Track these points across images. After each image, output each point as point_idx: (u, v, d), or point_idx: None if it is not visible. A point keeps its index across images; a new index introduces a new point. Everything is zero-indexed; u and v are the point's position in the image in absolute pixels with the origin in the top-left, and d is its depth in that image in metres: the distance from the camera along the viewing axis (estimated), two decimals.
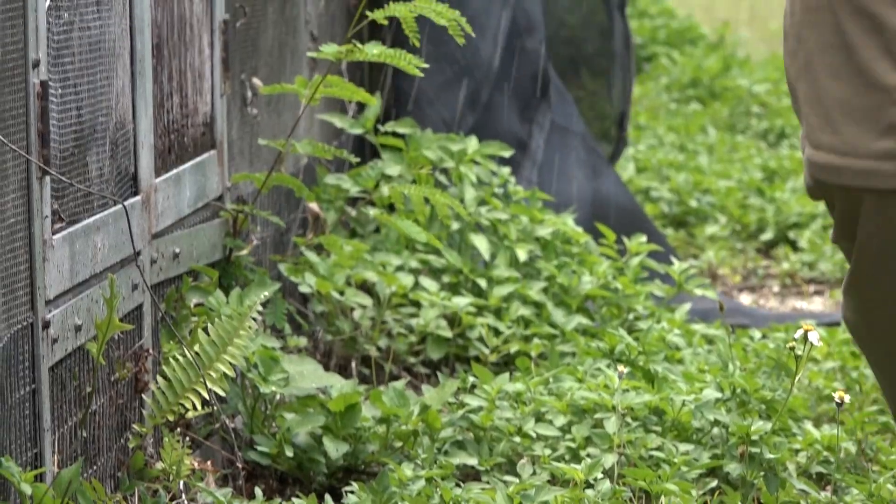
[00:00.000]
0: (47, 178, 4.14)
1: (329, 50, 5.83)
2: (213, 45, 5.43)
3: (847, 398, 5.53)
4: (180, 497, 4.68)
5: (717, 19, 13.64)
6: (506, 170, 6.68)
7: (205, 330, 4.89)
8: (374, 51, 5.78)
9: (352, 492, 4.90)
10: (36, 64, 4.06)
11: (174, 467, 4.68)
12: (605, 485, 4.92)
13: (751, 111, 10.85)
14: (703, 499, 4.93)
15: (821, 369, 6.00)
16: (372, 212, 6.25)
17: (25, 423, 4.07)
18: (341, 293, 5.83)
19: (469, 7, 6.97)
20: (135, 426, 4.66)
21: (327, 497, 4.94)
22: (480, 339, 6.04)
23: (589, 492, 4.82)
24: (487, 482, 4.97)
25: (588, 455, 5.14)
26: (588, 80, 8.30)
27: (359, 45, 5.76)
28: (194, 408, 4.75)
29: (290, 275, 5.76)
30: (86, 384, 4.41)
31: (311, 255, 5.85)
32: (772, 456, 5.14)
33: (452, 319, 6.05)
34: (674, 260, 7.20)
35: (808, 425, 5.36)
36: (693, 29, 12.44)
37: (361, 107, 6.31)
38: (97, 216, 4.50)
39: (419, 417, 5.21)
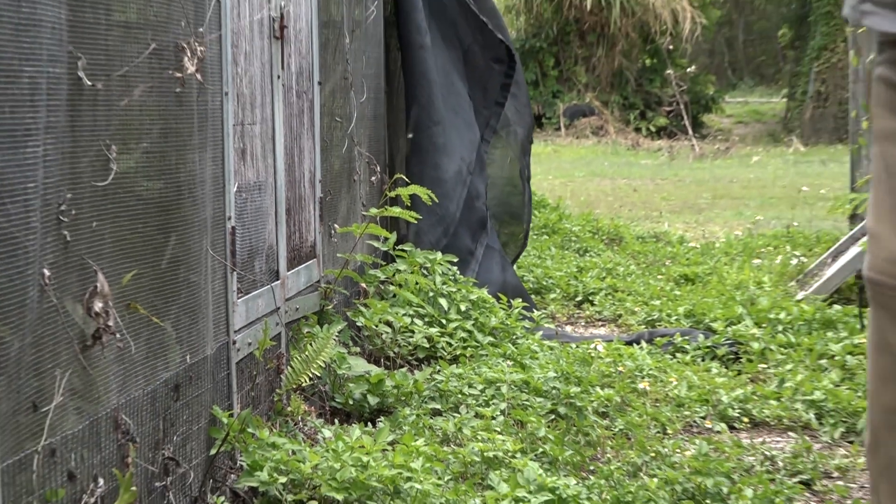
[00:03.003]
0: (234, 273, 4.11)
1: (374, 210, 5.88)
2: (315, 209, 5.40)
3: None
4: (299, 424, 4.64)
5: (556, 196, 13.59)
6: (455, 268, 6.68)
7: (310, 344, 4.86)
8: (396, 210, 5.81)
9: (381, 421, 4.87)
10: (229, 218, 4.04)
11: (296, 409, 4.65)
12: (501, 418, 4.87)
13: (571, 240, 10.76)
14: (547, 423, 4.87)
15: (603, 361, 5.95)
16: (392, 287, 6.23)
17: (224, 389, 4.04)
18: (376, 326, 5.80)
19: (443, 188, 6.97)
20: (277, 391, 4.62)
21: (369, 424, 4.91)
22: (443, 348, 6.01)
23: (493, 421, 4.78)
24: (445, 417, 4.93)
25: (493, 403, 5.11)
26: (509, 220, 8.31)
27: (388, 207, 5.80)
28: (307, 381, 4.72)
29: (353, 317, 5.73)
30: (253, 370, 4.38)
31: (362, 308, 5.82)
32: (580, 403, 5.09)
33: (430, 338, 6.01)
34: (535, 311, 7.18)
35: (598, 389, 5.31)
36: (545, 201, 12.36)
37: (387, 237, 6.31)
38: (258, 290, 4.48)
39: (413, 385, 5.17)
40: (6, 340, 2.54)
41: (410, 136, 7.19)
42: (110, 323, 3.01)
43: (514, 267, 8.19)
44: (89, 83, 2.95)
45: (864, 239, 8.14)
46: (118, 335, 3.08)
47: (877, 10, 1.56)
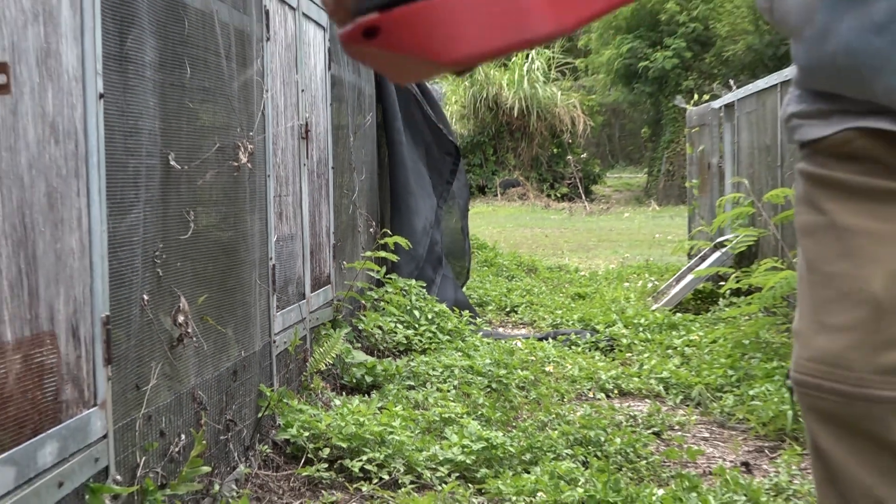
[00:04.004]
0: (275, 295, 4.10)
1: (369, 253, 5.84)
2: (330, 251, 5.39)
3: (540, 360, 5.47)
4: (319, 396, 4.62)
5: (493, 240, 13.50)
6: (424, 290, 6.64)
7: (327, 342, 4.84)
8: (381, 253, 5.78)
9: (373, 393, 4.85)
10: (271, 259, 4.03)
11: (317, 386, 4.63)
12: (453, 391, 4.84)
13: (503, 270, 10.70)
14: (484, 395, 4.86)
15: (522, 352, 5.94)
16: (382, 303, 6.22)
17: (268, 374, 4.02)
18: (371, 329, 5.79)
19: (414, 237, 6.95)
20: (304, 373, 4.60)
21: (366, 395, 4.89)
22: (416, 344, 5.99)
23: (448, 393, 4.76)
24: (417, 390, 4.91)
25: (448, 381, 5.09)
26: (457, 259, 8.28)
27: (379, 252, 5.77)
28: (324, 367, 4.70)
29: (355, 323, 5.71)
30: (287, 360, 4.37)
31: (362, 317, 5.81)
32: (506, 381, 5.08)
33: (407, 337, 5.99)
34: (478, 318, 7.17)
35: (519, 371, 5.31)
36: (485, 244, 12.24)
37: (378, 270, 6.30)
38: (291, 306, 4.46)
39: (395, 369, 5.14)
40: (119, 342, 2.54)
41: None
42: (189, 330, 3.00)
43: (464, 289, 8.18)
44: (179, 167, 2.96)
45: (699, 268, 8.19)
46: (195, 338, 3.08)
47: (803, 122, 1.21)
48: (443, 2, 0.72)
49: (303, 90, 4.73)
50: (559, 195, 26.63)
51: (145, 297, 2.72)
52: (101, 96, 2.44)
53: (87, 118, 2.39)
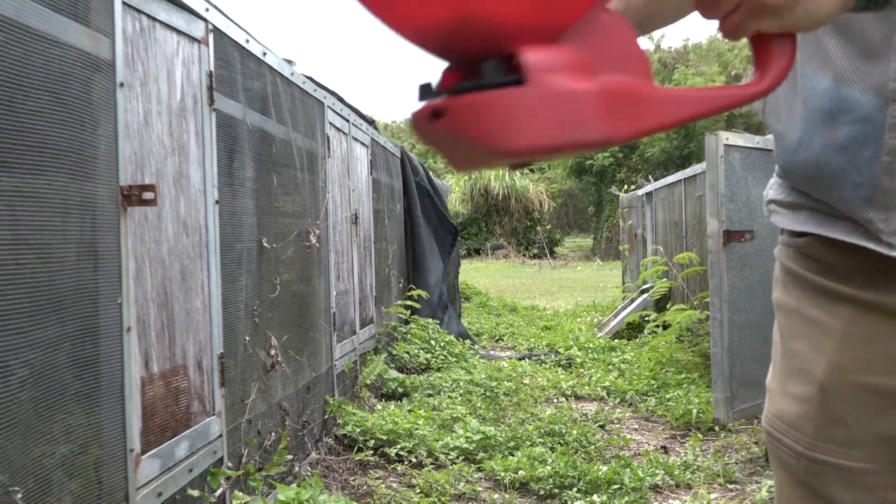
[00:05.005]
0: (335, 333, 4.12)
1: (400, 302, 5.81)
2: (372, 300, 5.38)
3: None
4: (366, 402, 4.61)
5: (485, 287, 13.39)
6: (438, 325, 6.62)
7: (371, 364, 4.83)
8: (408, 302, 5.76)
9: (404, 400, 4.83)
10: (332, 308, 4.05)
11: (365, 395, 4.61)
12: (459, 398, 4.82)
13: (492, 309, 10.60)
14: (481, 400, 4.85)
15: (507, 368, 5.91)
16: (409, 336, 6.21)
17: (330, 388, 4.01)
18: (402, 354, 5.77)
19: (429, 290, 6.95)
20: (355, 387, 4.59)
21: (399, 401, 4.87)
22: (433, 363, 5.96)
23: (456, 399, 4.75)
24: (434, 398, 4.88)
25: (456, 390, 5.05)
26: (453, 304, 8.25)
27: (406, 300, 5.74)
28: (370, 381, 4.68)
29: (391, 350, 5.70)
30: (344, 377, 4.37)
31: (395, 346, 5.80)
32: (497, 390, 5.04)
33: (427, 360, 5.97)
34: (476, 345, 7.14)
35: (505, 382, 5.28)
36: (479, 291, 12.20)
37: (406, 313, 6.29)
38: (346, 340, 4.45)
39: (419, 382, 5.11)
40: (229, 370, 2.58)
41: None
42: (279, 360, 3.04)
43: (465, 324, 8.13)
44: (268, 246, 3.02)
45: (632, 307, 8.18)
46: (281, 364, 3.11)
47: (778, 210, 1.07)
48: (505, 96, 0.59)
49: (353, 190, 4.81)
50: (531, 255, 26.64)
51: (247, 338, 2.76)
52: (217, 202, 2.52)
53: (207, 217, 2.47)
